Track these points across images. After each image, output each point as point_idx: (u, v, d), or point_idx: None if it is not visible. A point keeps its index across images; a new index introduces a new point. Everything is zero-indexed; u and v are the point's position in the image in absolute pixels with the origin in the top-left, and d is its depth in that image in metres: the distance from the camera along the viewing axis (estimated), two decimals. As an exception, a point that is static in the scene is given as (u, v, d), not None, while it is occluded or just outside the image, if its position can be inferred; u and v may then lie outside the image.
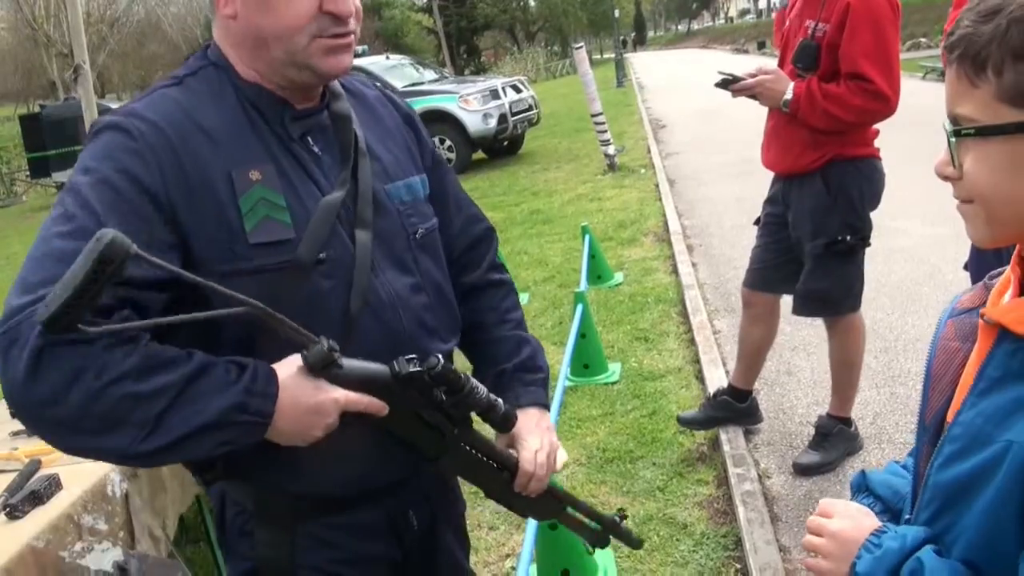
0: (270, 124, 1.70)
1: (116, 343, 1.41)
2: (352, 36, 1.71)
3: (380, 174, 1.83)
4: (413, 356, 1.64)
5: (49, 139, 28.70)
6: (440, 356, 1.63)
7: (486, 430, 1.82)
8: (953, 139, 1.20)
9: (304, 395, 1.54)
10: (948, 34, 1.21)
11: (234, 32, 1.69)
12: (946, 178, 1.24)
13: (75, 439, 1.43)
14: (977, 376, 1.22)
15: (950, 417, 1.26)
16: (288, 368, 1.55)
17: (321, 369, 1.55)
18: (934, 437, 1.29)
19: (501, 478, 1.88)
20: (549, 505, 2.01)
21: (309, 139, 1.75)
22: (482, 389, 1.72)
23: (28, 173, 33.68)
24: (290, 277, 1.61)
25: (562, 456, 1.97)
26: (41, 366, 1.36)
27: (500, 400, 1.77)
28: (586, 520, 2.13)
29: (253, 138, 1.67)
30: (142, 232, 1.47)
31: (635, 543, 2.26)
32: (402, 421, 1.67)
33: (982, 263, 3.55)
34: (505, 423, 1.81)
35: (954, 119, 1.20)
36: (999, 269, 1.30)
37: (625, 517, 2.19)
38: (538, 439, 1.91)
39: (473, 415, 1.78)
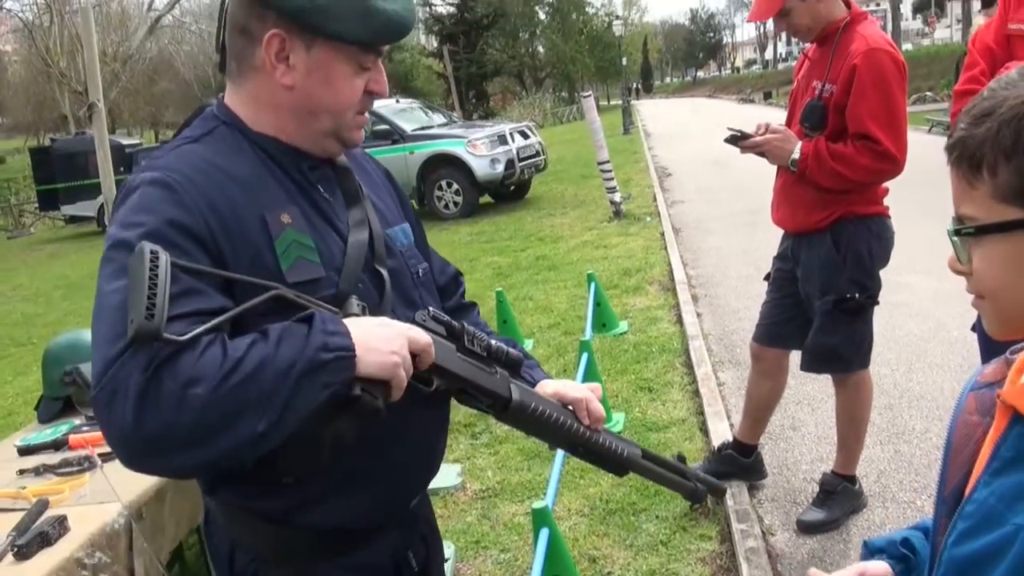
0: (288, 172, 1.81)
1: (204, 349, 1.47)
2: None
3: (380, 220, 1.95)
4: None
5: (59, 172, 29.09)
6: (428, 307, 1.84)
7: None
8: (955, 238, 1.24)
9: (368, 318, 1.67)
10: (948, 136, 1.25)
11: (284, 100, 1.78)
12: (959, 273, 1.27)
13: (201, 451, 1.47)
14: (992, 455, 1.23)
15: (967, 493, 1.27)
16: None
17: (363, 314, 1.69)
18: (951, 511, 1.30)
19: (566, 416, 1.92)
20: (625, 449, 2.01)
21: (320, 187, 1.85)
22: (479, 332, 1.86)
23: (37, 205, 33.95)
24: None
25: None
26: (147, 402, 1.41)
27: (504, 346, 1.90)
28: (663, 471, 2.11)
29: (275, 184, 1.78)
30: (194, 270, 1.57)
31: (719, 489, 2.22)
32: (457, 367, 1.78)
33: None
34: (513, 362, 1.91)
35: (959, 218, 1.23)
36: (1021, 344, 1.32)
37: (683, 460, 2.18)
38: (563, 381, 2.02)
39: None
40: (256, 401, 1.48)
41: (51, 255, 25.57)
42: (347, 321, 1.62)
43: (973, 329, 3.81)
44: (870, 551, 1.60)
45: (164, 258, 1.46)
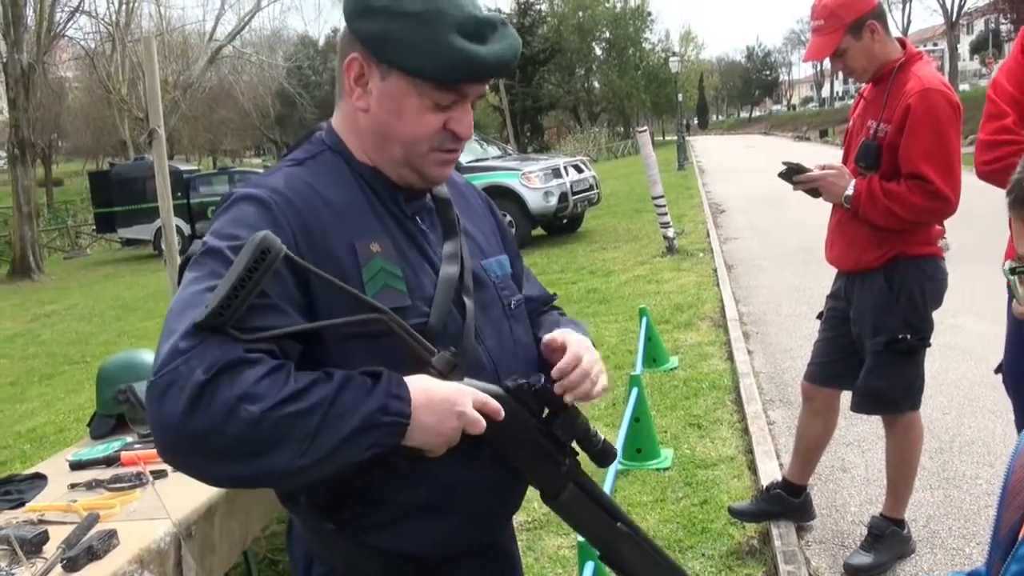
0: (385, 203, 1.84)
1: (269, 372, 1.51)
2: (459, 153, 1.87)
3: (475, 251, 1.98)
4: (516, 376, 1.80)
5: (116, 196, 29.77)
6: (542, 376, 1.80)
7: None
8: (1012, 276, 1.24)
9: (436, 389, 1.65)
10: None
11: (362, 123, 1.83)
12: (1023, 316, 1.27)
13: (233, 466, 1.49)
14: None
15: (1021, 534, 1.26)
16: (415, 377, 1.66)
17: (448, 373, 1.70)
18: (1005, 553, 1.29)
19: (608, 531, 1.91)
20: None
21: (418, 218, 1.89)
22: (583, 416, 1.83)
23: (94, 227, 34.65)
24: (403, 341, 1.70)
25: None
26: (201, 402, 1.44)
27: (600, 434, 1.87)
28: None
29: (371, 214, 1.81)
30: (279, 288, 1.60)
31: None
32: (519, 443, 1.78)
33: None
34: (603, 456, 1.89)
35: (1019, 258, 1.24)
36: None
37: None
38: (576, 339, 1.94)
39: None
40: (302, 437, 1.50)
41: (107, 276, 25.99)
42: (412, 382, 1.63)
43: (996, 371, 3.79)
44: None
45: (272, 257, 1.52)
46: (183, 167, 31.66)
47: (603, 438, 1.88)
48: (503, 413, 1.71)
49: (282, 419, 1.48)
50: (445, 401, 1.64)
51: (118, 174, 30.40)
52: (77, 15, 35.92)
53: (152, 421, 1.48)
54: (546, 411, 1.82)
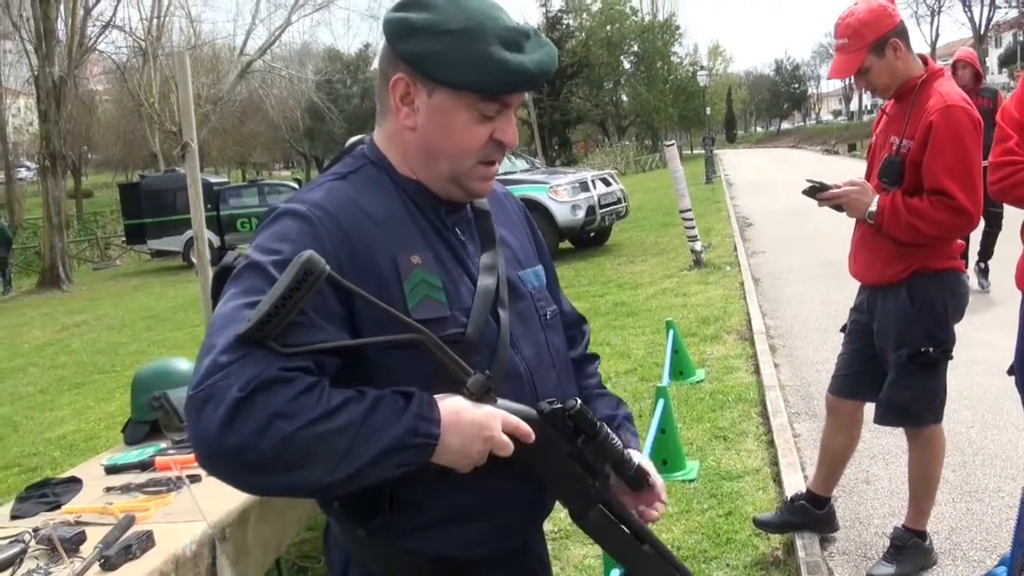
0: (426, 215, 1.88)
1: (303, 391, 1.55)
2: (499, 164, 1.92)
3: (512, 262, 2.02)
4: (553, 399, 1.82)
5: (146, 208, 29.99)
6: (578, 400, 1.81)
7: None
8: None
9: (466, 412, 1.69)
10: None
11: (409, 140, 1.87)
12: None
13: (266, 479, 1.55)
14: None
15: None
16: (447, 397, 1.70)
17: (481, 396, 1.72)
18: None
19: (630, 552, 1.94)
20: None
21: (457, 230, 1.93)
22: (615, 439, 1.86)
23: (124, 239, 34.91)
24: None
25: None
26: (237, 419, 1.49)
27: (633, 459, 1.92)
28: None
29: (412, 227, 1.85)
30: (319, 305, 1.64)
31: None
32: (549, 465, 1.82)
33: None
34: (636, 481, 1.94)
35: None
36: None
37: None
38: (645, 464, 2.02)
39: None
40: (332, 455, 1.55)
41: (135, 287, 26.20)
42: (443, 403, 1.68)
43: (1009, 372, 3.83)
44: None
45: (315, 277, 1.56)
46: (213, 179, 31.92)
47: (636, 463, 1.92)
48: (533, 437, 1.75)
49: (313, 438, 1.53)
50: (473, 425, 1.68)
51: (148, 186, 30.66)
52: (109, 29, 36.33)
53: (190, 434, 1.54)
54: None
